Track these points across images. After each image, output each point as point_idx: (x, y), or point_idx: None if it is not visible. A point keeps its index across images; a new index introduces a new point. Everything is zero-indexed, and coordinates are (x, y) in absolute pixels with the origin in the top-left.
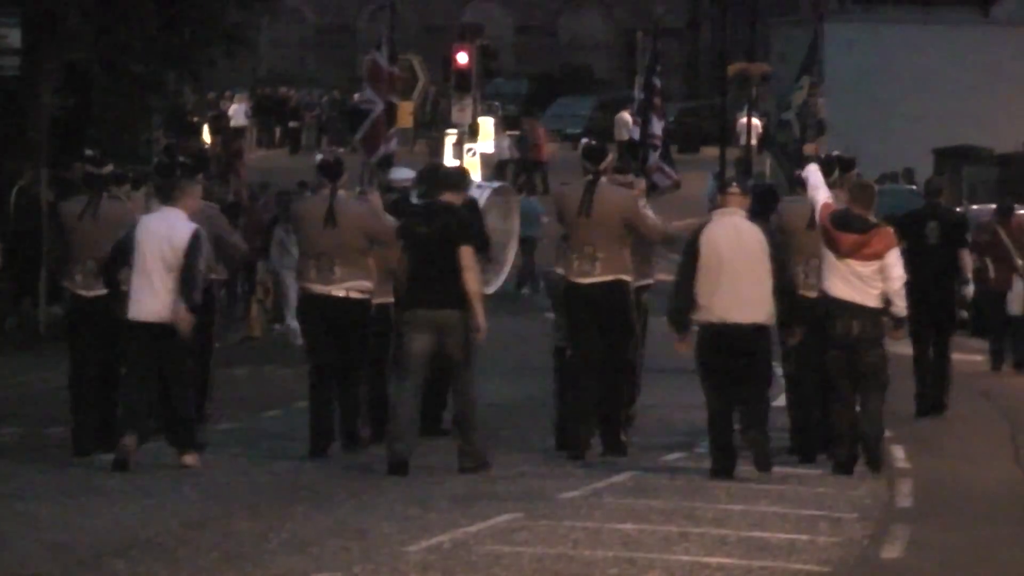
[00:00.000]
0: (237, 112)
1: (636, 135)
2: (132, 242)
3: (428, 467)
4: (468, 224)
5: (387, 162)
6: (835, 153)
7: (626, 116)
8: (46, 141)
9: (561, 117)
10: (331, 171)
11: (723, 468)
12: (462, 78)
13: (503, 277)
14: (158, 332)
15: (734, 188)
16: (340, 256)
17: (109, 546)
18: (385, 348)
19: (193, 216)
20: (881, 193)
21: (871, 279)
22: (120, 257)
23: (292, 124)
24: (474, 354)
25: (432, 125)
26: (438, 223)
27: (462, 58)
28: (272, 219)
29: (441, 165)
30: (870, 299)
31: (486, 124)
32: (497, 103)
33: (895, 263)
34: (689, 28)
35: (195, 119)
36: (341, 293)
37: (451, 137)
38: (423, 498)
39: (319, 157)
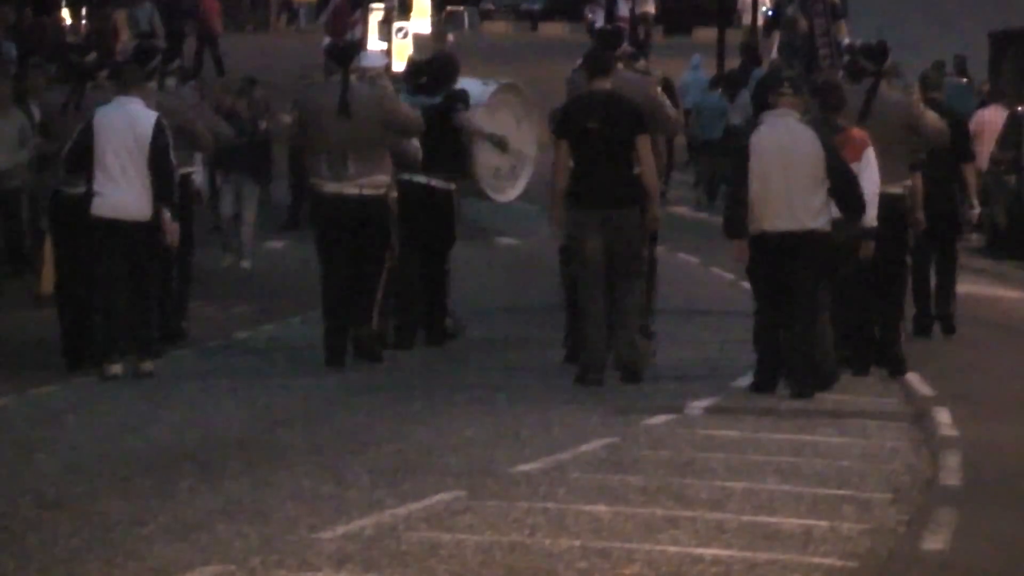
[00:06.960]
0: None
1: (600, 19)
2: (91, 134)
3: (345, 428)
4: (639, 112)
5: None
6: (864, 42)
7: None
8: None
9: None
10: (342, 55)
11: (765, 383)
12: None
13: (520, 189)
14: (128, 230)
15: (786, 88)
16: (354, 150)
17: None
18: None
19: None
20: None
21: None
22: (82, 151)
23: None
24: (642, 255)
25: None
26: (606, 115)
27: None
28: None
29: (593, 49)
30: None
31: None
32: None
33: (868, 164)
34: None
35: None
36: (355, 191)
37: (377, 14)
38: (339, 471)
39: (327, 40)
